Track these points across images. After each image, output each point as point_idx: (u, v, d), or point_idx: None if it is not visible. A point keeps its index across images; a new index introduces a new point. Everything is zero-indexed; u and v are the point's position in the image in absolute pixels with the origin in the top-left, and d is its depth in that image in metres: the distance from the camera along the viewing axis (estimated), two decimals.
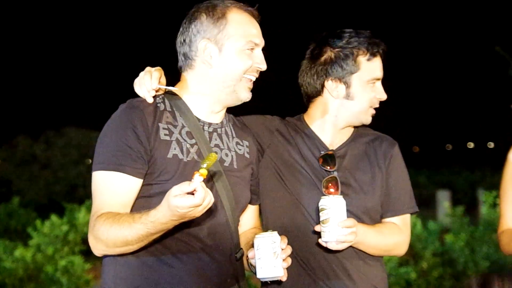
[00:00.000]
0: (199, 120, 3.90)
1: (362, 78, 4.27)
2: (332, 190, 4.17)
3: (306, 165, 4.27)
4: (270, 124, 4.43)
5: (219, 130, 3.99)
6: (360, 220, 4.14)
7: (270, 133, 4.37)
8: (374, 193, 4.27)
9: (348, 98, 4.30)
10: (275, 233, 3.76)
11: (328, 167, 4.24)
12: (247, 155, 4.10)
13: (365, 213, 4.23)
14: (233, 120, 4.18)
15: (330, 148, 4.30)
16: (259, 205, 4.29)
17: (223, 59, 3.86)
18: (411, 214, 4.42)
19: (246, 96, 3.90)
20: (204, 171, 3.26)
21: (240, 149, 4.07)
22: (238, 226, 4.01)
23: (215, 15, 3.87)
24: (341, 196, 3.96)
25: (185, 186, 3.23)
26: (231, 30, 3.85)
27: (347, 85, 4.29)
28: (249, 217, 4.21)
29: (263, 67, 3.90)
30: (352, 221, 3.91)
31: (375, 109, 4.35)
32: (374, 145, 4.38)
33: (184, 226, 3.56)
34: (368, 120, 4.32)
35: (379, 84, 4.30)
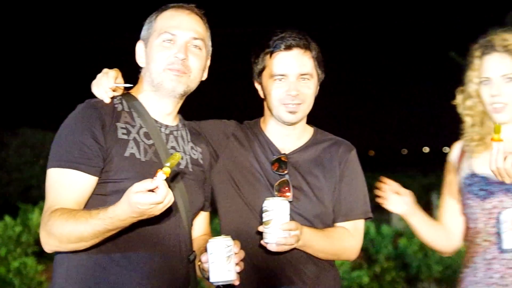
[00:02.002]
0: (156, 121, 3.93)
1: (267, 75, 4.28)
2: (284, 193, 4.17)
3: (260, 169, 4.28)
4: (226, 128, 4.44)
5: (175, 132, 4.02)
6: (311, 224, 4.17)
7: (225, 138, 4.38)
8: (326, 198, 4.27)
9: (265, 97, 4.34)
10: (229, 237, 3.77)
11: (281, 171, 4.25)
12: (200, 161, 4.13)
13: (317, 217, 4.24)
14: (189, 125, 4.21)
15: (283, 152, 4.31)
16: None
17: (148, 55, 3.95)
18: (366, 219, 4.43)
19: (172, 86, 3.89)
20: (167, 170, 3.28)
21: (194, 154, 4.11)
22: (191, 230, 4.02)
23: (150, 17, 4.00)
24: (285, 199, 3.96)
25: (147, 183, 3.25)
26: (155, 26, 3.95)
27: (261, 84, 4.35)
28: (200, 224, 4.21)
29: (180, 56, 3.88)
30: (294, 224, 3.91)
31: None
32: (330, 150, 4.38)
33: (139, 226, 3.56)
34: (286, 118, 4.25)
35: (287, 80, 4.22)
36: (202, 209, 4.16)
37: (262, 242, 3.91)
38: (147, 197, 3.25)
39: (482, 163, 4.43)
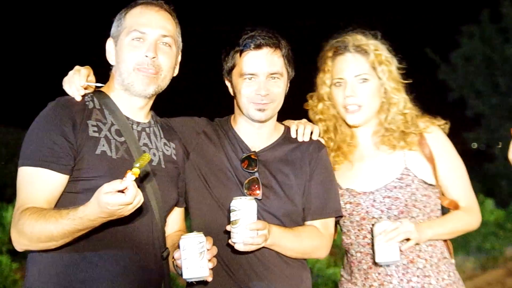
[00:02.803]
0: (127, 118, 3.93)
1: (237, 73, 4.27)
2: (254, 191, 4.18)
3: (230, 167, 4.27)
4: (197, 126, 4.44)
5: (147, 129, 4.03)
6: (281, 222, 4.18)
7: (196, 135, 4.38)
8: (296, 196, 4.27)
9: (235, 95, 4.34)
10: (201, 233, 3.79)
11: (250, 169, 4.25)
12: (174, 157, 4.13)
13: (287, 216, 4.23)
14: (161, 122, 4.21)
15: (253, 150, 4.31)
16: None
17: (118, 53, 3.95)
18: (336, 218, 4.44)
19: (143, 87, 3.90)
20: (136, 171, 3.27)
21: (167, 150, 4.11)
22: (165, 226, 4.03)
23: (119, 14, 3.99)
24: (253, 198, 3.96)
25: (116, 184, 3.24)
26: (124, 24, 3.94)
27: (231, 82, 4.34)
28: (174, 220, 4.22)
29: (150, 54, 3.88)
30: (261, 223, 3.91)
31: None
32: (301, 149, 4.39)
33: (112, 224, 3.56)
34: (255, 116, 4.25)
35: (257, 79, 4.22)
36: (176, 205, 4.17)
37: (230, 241, 3.90)
38: (116, 198, 3.24)
39: (344, 175, 4.52)
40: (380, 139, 4.50)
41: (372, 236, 4.24)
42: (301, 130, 4.43)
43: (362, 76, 4.46)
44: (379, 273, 4.40)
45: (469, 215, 4.51)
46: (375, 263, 4.33)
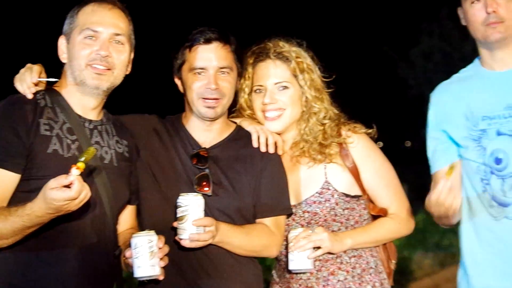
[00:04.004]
0: (80, 117, 3.91)
1: (186, 69, 4.25)
2: (203, 188, 4.16)
3: (180, 164, 4.25)
4: (148, 123, 4.41)
5: (99, 127, 4.00)
6: (231, 219, 4.17)
7: (147, 133, 4.35)
8: (247, 193, 4.26)
9: (185, 91, 4.32)
10: (152, 232, 3.78)
11: (200, 165, 4.22)
12: (126, 154, 4.11)
13: (237, 213, 4.22)
14: (113, 119, 4.17)
15: (203, 147, 4.29)
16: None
17: (70, 51, 3.93)
18: (287, 216, 4.40)
19: (95, 84, 3.88)
20: (81, 165, 3.30)
21: (119, 148, 4.08)
22: (117, 224, 4.02)
23: (72, 11, 3.97)
24: (200, 195, 3.95)
25: (61, 179, 3.27)
26: (76, 22, 3.93)
27: (180, 79, 4.32)
28: (127, 217, 4.19)
29: (102, 53, 3.87)
30: (207, 220, 3.90)
31: None
32: (252, 145, 4.37)
33: (63, 222, 3.56)
34: (205, 113, 4.23)
35: (206, 74, 4.20)
36: (128, 203, 4.16)
37: (176, 238, 3.90)
38: (62, 193, 3.27)
39: None
40: (300, 152, 4.45)
41: (287, 243, 4.26)
42: (263, 139, 4.38)
43: (283, 83, 4.43)
44: (300, 284, 4.40)
45: (396, 222, 4.47)
46: (296, 272, 4.34)
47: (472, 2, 4.07)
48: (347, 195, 4.40)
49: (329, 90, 4.55)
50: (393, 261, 4.59)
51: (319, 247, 4.23)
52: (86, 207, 3.52)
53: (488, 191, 4.10)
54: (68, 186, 3.27)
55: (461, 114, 4.19)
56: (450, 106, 4.26)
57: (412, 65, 26.03)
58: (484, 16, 4.03)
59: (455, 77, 4.40)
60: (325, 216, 4.37)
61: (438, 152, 4.31)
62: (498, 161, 4.07)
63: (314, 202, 4.37)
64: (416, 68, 25.49)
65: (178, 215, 3.86)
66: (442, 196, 3.85)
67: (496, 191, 4.07)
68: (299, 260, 4.18)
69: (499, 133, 4.08)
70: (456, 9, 4.22)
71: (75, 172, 3.26)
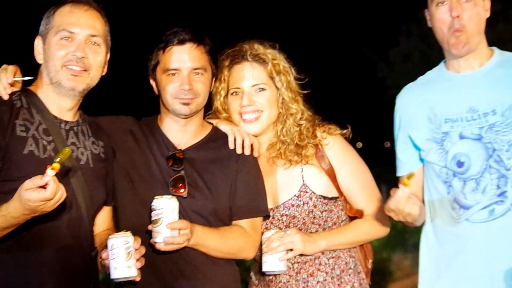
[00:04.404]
0: (55, 118, 3.89)
1: (160, 70, 4.24)
2: (179, 189, 4.15)
3: (155, 165, 4.25)
4: (123, 125, 4.39)
5: (75, 128, 3.99)
6: (207, 221, 4.16)
7: (123, 134, 4.33)
8: (223, 195, 4.25)
9: (160, 92, 4.30)
10: (129, 233, 3.78)
11: (176, 167, 4.21)
12: (102, 155, 4.10)
13: (213, 215, 4.21)
14: (89, 120, 4.16)
15: (179, 148, 4.28)
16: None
17: (46, 52, 3.92)
18: (263, 217, 4.39)
19: (71, 85, 3.87)
20: (56, 165, 3.28)
21: (96, 149, 4.07)
22: (93, 226, 4.01)
23: (48, 12, 3.95)
24: (174, 197, 3.93)
25: (37, 180, 3.26)
26: (53, 23, 3.91)
27: (155, 80, 4.31)
28: (103, 218, 4.18)
29: (78, 54, 3.87)
30: (182, 223, 3.90)
31: None
32: (228, 147, 4.36)
33: (39, 224, 3.55)
34: (180, 110, 4.20)
35: (180, 74, 4.19)
36: (105, 204, 4.15)
37: (151, 241, 3.89)
38: (37, 194, 3.26)
39: None
40: (276, 154, 4.45)
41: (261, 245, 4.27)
42: (239, 141, 4.38)
43: (260, 85, 4.43)
44: (279, 287, 4.40)
45: (372, 223, 4.46)
46: (270, 274, 4.34)
47: (438, 5, 4.09)
48: (324, 197, 4.40)
49: (304, 92, 4.55)
50: (370, 260, 4.59)
51: (291, 249, 4.23)
52: (62, 208, 3.51)
53: (450, 194, 4.14)
54: (43, 187, 3.26)
55: (424, 117, 4.22)
56: (414, 109, 4.29)
57: (391, 66, 26.09)
58: (449, 20, 4.05)
59: (420, 79, 4.43)
60: (304, 219, 4.36)
61: (404, 156, 4.36)
62: (460, 164, 4.10)
63: (293, 205, 4.37)
64: (395, 69, 25.56)
65: (152, 218, 3.85)
66: (400, 204, 3.89)
67: (458, 194, 4.11)
68: (271, 262, 4.19)
69: (461, 136, 4.12)
70: (420, 8, 4.23)
71: (50, 172, 3.25)
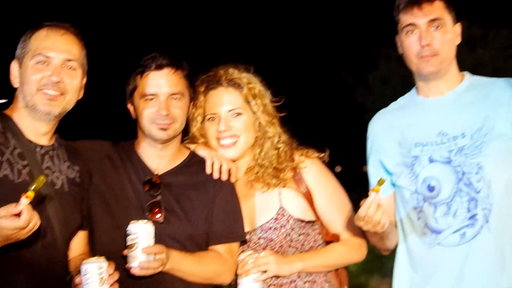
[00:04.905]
0: (31, 142, 3.88)
1: (138, 95, 4.24)
2: (155, 215, 4.14)
3: (132, 191, 4.24)
4: (101, 149, 4.38)
5: (50, 152, 3.98)
6: (183, 246, 4.15)
7: (100, 159, 4.32)
8: (199, 220, 4.24)
9: (137, 117, 4.30)
10: (102, 258, 3.76)
11: (153, 192, 4.21)
12: (78, 179, 4.09)
13: (189, 240, 4.20)
14: (65, 144, 4.15)
15: (156, 173, 4.28)
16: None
17: (22, 75, 3.92)
18: (240, 242, 4.38)
19: (46, 109, 3.87)
20: (31, 193, 3.29)
21: (71, 173, 4.06)
22: (68, 250, 3.99)
23: (25, 35, 3.96)
24: (149, 222, 3.93)
25: (11, 208, 3.27)
26: (29, 46, 3.92)
27: (133, 104, 4.31)
28: (78, 243, 4.15)
29: (54, 79, 3.87)
30: (157, 247, 3.89)
31: None
32: (205, 172, 4.36)
33: (13, 249, 3.52)
34: (157, 135, 4.21)
35: (158, 100, 4.19)
36: (80, 228, 4.12)
37: (126, 266, 3.87)
38: (10, 222, 3.27)
39: None
40: (254, 177, 4.46)
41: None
42: (217, 166, 4.38)
43: (236, 110, 4.44)
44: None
45: (349, 248, 4.47)
46: None
47: (407, 33, 4.13)
48: (302, 221, 4.40)
49: (281, 114, 4.57)
50: (345, 287, 4.59)
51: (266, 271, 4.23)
52: (37, 233, 3.49)
53: (421, 219, 4.15)
54: (18, 215, 3.26)
55: (395, 141, 4.25)
56: (385, 135, 4.32)
57: (370, 90, 26.22)
58: (418, 48, 4.09)
59: (392, 105, 4.47)
60: (281, 242, 4.36)
61: (376, 181, 4.29)
62: (430, 188, 4.12)
63: (270, 228, 4.37)
64: (374, 93, 25.68)
65: (128, 243, 3.84)
66: (370, 211, 3.88)
67: (429, 218, 4.12)
68: (246, 284, 4.20)
69: (431, 160, 4.14)
70: (395, 37, 4.25)
71: (24, 201, 3.26)
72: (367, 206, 3.88)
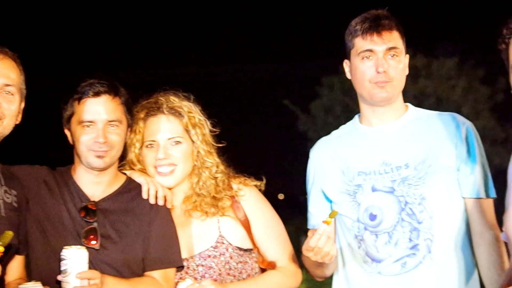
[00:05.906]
0: None
1: (75, 121, 4.20)
2: (90, 241, 4.11)
3: (68, 217, 4.20)
4: (37, 174, 4.33)
5: None
6: (119, 273, 4.12)
7: (37, 184, 4.27)
8: (135, 246, 4.22)
9: (74, 143, 4.26)
10: (39, 283, 3.74)
11: (88, 218, 4.17)
12: (15, 204, 4.04)
13: (125, 266, 4.17)
14: (2, 169, 4.10)
15: (92, 200, 4.24)
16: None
17: None
18: (176, 268, 4.35)
19: None
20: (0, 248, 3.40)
21: (8, 198, 4.01)
22: (5, 275, 3.93)
23: None
24: (83, 247, 3.90)
25: None
26: None
27: (70, 131, 4.27)
28: (15, 267, 4.11)
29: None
30: (91, 273, 3.86)
31: None
32: (141, 198, 4.34)
33: None
34: (94, 163, 4.17)
35: (95, 127, 4.15)
36: (17, 253, 4.08)
37: None
38: None
39: None
40: (192, 206, 4.45)
41: None
42: (152, 191, 4.35)
43: (176, 138, 4.44)
44: None
45: (285, 275, 4.47)
46: None
47: (363, 58, 4.13)
48: (240, 249, 4.41)
49: (220, 145, 4.57)
50: None
51: None
52: None
53: (362, 247, 4.16)
54: None
55: (337, 169, 4.26)
56: (327, 163, 4.33)
57: (312, 119, 26.37)
58: (373, 74, 4.11)
59: (334, 133, 4.48)
60: (220, 270, 4.35)
61: (315, 209, 4.39)
62: (372, 217, 4.13)
63: (209, 256, 4.36)
64: (316, 122, 25.84)
65: (62, 268, 3.81)
66: (321, 242, 3.87)
67: (369, 247, 4.13)
68: None
69: (374, 189, 4.15)
70: (343, 62, 4.26)
71: None
72: (318, 237, 3.87)
